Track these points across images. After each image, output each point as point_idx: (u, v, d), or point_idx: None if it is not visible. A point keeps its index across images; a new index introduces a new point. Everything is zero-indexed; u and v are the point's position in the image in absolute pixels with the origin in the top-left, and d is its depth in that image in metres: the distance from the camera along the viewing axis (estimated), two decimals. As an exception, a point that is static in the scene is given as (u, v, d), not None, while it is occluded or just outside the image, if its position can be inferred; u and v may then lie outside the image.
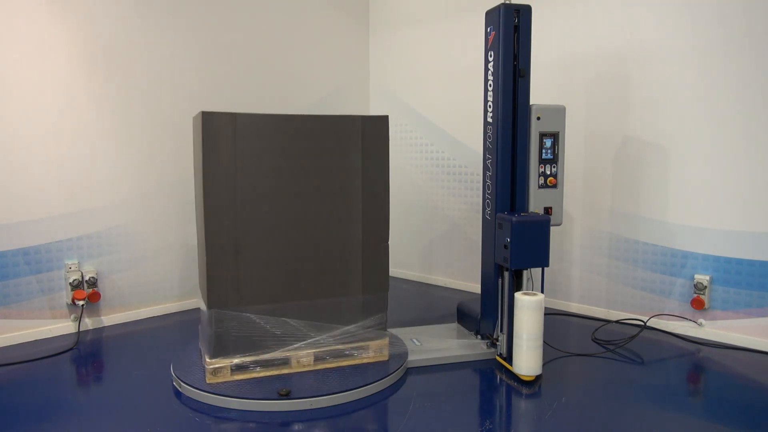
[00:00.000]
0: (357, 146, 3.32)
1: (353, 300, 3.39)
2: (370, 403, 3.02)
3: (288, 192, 3.23)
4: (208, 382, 3.09)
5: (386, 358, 3.42)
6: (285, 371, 3.25)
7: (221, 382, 3.09)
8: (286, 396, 2.94)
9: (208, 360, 3.12)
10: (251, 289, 3.18)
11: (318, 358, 3.31)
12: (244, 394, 2.97)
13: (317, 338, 3.32)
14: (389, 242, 3.46)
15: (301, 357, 3.27)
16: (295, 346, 3.27)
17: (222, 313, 3.13)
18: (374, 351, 3.41)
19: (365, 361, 3.39)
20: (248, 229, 3.16)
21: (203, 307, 3.27)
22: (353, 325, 3.38)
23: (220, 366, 3.12)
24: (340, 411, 2.93)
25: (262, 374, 3.20)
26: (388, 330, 3.97)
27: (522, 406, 3.04)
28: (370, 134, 3.34)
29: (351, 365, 3.35)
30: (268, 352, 3.22)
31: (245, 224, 3.15)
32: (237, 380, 3.13)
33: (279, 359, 3.24)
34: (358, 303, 3.40)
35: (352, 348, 3.38)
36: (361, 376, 3.19)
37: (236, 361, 3.15)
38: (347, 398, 3.02)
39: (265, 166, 3.17)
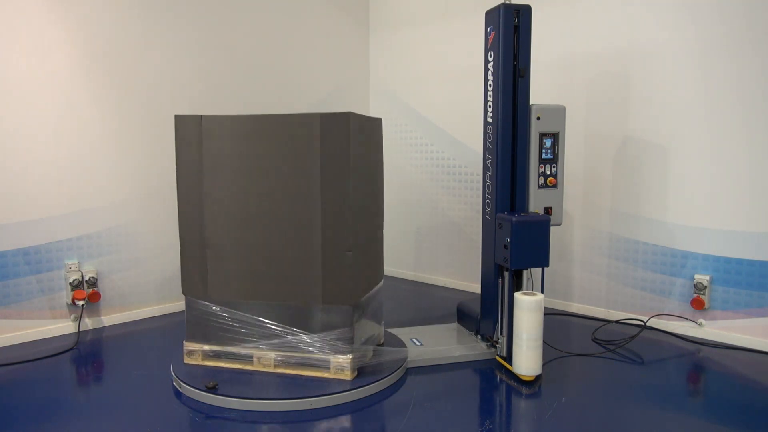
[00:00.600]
0: (315, 147, 3.12)
1: (314, 310, 3.23)
2: (370, 403, 3.02)
3: (252, 192, 3.24)
4: (184, 362, 3.37)
5: (348, 377, 3.14)
6: (248, 367, 3.29)
7: (194, 365, 3.34)
8: (213, 389, 3.00)
9: (185, 341, 3.40)
10: (217, 283, 3.33)
11: (279, 362, 3.25)
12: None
13: (279, 341, 3.26)
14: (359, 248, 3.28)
15: (262, 357, 3.26)
16: (257, 344, 3.28)
17: (192, 300, 3.38)
18: (335, 368, 3.15)
19: (325, 375, 3.16)
20: (215, 227, 3.31)
21: None
22: (314, 336, 3.21)
23: (193, 349, 3.38)
24: (340, 411, 2.93)
25: (228, 365, 3.32)
26: (388, 330, 3.97)
27: (522, 406, 3.04)
28: (329, 134, 3.10)
29: (310, 376, 3.17)
30: (232, 346, 3.31)
31: (212, 222, 3.31)
32: (207, 366, 3.33)
33: (243, 354, 3.30)
34: (318, 313, 3.22)
35: (313, 359, 3.20)
36: (360, 377, 3.19)
37: (206, 347, 3.36)
38: (347, 398, 3.02)
39: (230, 166, 3.25)
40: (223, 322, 3.33)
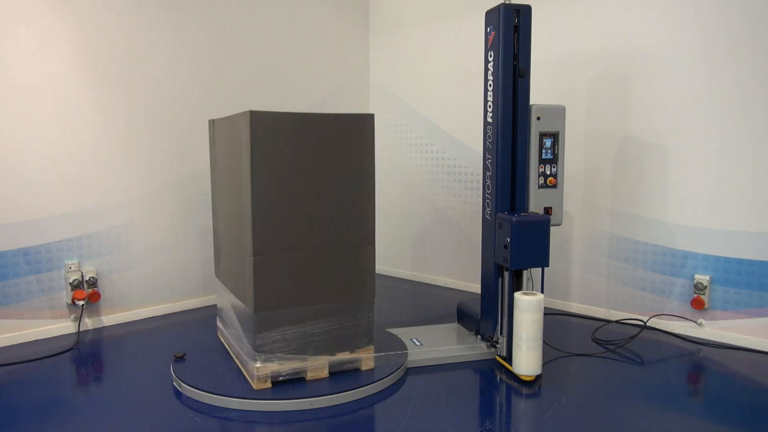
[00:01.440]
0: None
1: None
2: (370, 403, 3.02)
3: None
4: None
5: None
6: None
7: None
8: (181, 359, 3.28)
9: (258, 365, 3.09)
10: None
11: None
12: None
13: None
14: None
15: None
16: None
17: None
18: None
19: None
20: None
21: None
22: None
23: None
24: (340, 411, 2.93)
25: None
26: (388, 330, 3.97)
27: (522, 406, 3.04)
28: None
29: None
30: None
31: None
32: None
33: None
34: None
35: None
36: (362, 376, 3.19)
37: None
38: (347, 398, 3.02)
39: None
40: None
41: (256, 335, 3.03)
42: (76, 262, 4.15)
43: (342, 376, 3.20)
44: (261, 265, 3.01)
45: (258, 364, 3.03)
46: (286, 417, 2.86)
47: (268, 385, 3.06)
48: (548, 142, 3.52)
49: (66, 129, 4.08)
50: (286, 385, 3.09)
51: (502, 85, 3.41)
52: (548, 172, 3.54)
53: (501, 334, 3.54)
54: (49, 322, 4.08)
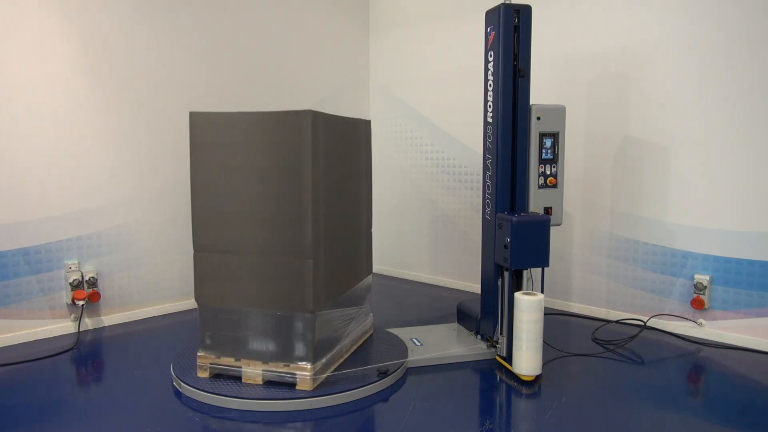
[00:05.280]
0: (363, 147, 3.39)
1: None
2: (371, 403, 3.02)
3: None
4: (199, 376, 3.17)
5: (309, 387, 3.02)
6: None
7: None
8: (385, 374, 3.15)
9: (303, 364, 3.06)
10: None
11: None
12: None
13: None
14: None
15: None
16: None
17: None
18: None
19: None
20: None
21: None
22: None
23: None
24: (340, 411, 2.93)
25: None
26: (388, 330, 3.97)
27: (522, 406, 3.04)
28: (365, 136, 3.44)
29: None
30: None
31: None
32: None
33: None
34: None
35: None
36: (359, 378, 3.19)
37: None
38: (347, 398, 3.02)
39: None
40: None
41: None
42: (76, 262, 4.15)
43: (342, 376, 3.19)
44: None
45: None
46: (286, 417, 2.86)
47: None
48: (548, 142, 3.52)
49: (66, 129, 4.08)
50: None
51: (502, 85, 3.41)
52: (548, 172, 3.54)
53: (501, 334, 3.54)
54: (49, 322, 4.08)
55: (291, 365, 3.07)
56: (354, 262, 3.60)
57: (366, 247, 3.83)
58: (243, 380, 3.11)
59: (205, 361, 3.18)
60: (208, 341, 3.19)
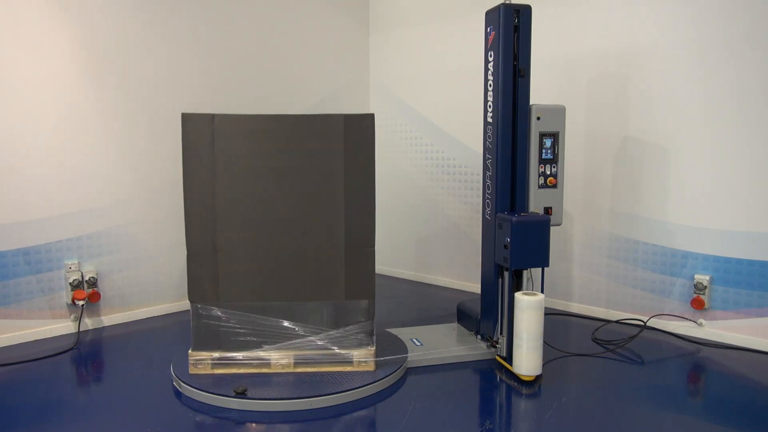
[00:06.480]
0: (339, 146, 3.23)
1: (334, 305, 3.32)
2: (371, 403, 3.02)
3: (268, 193, 3.25)
4: (190, 372, 3.25)
5: (372, 368, 3.27)
6: (264, 370, 3.27)
7: (203, 374, 3.23)
8: (242, 395, 2.95)
9: (190, 352, 3.27)
10: (230, 287, 3.29)
11: (298, 362, 3.27)
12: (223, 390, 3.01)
13: (297, 341, 3.28)
14: (375, 245, 3.35)
15: (281, 359, 3.26)
16: (275, 346, 3.29)
17: (202, 308, 3.28)
18: (358, 360, 3.28)
19: (347, 369, 3.27)
20: (227, 229, 3.25)
21: None
22: (335, 332, 3.31)
23: (201, 359, 3.26)
24: (340, 411, 2.93)
25: (242, 371, 3.26)
26: (388, 330, 3.97)
27: (522, 406, 3.04)
28: (354, 134, 3.23)
29: (331, 372, 3.25)
30: (247, 350, 3.29)
31: (224, 224, 3.25)
32: (217, 374, 3.24)
33: (258, 358, 3.28)
34: (340, 309, 3.32)
35: (332, 355, 3.29)
36: (360, 377, 3.19)
37: (215, 355, 3.27)
38: (347, 398, 3.02)
39: (245, 166, 3.23)
40: (234, 327, 3.29)
41: (368, 321, 3.30)
42: (76, 262, 4.15)
43: (342, 376, 3.19)
44: (361, 257, 3.26)
45: (373, 348, 3.29)
46: (286, 417, 2.86)
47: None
48: (548, 142, 3.52)
49: (66, 129, 4.08)
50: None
51: (502, 85, 3.41)
52: (548, 172, 3.54)
53: (501, 334, 3.54)
54: (49, 322, 4.08)
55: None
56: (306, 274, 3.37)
57: (345, 265, 3.34)
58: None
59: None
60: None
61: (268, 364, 3.27)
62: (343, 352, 3.29)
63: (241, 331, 3.29)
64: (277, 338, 3.30)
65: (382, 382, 3.17)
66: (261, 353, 3.27)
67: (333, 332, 3.30)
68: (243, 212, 3.24)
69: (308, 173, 3.24)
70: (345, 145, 3.22)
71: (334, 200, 3.26)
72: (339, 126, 3.22)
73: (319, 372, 3.24)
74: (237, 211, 3.24)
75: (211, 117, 3.20)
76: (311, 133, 3.23)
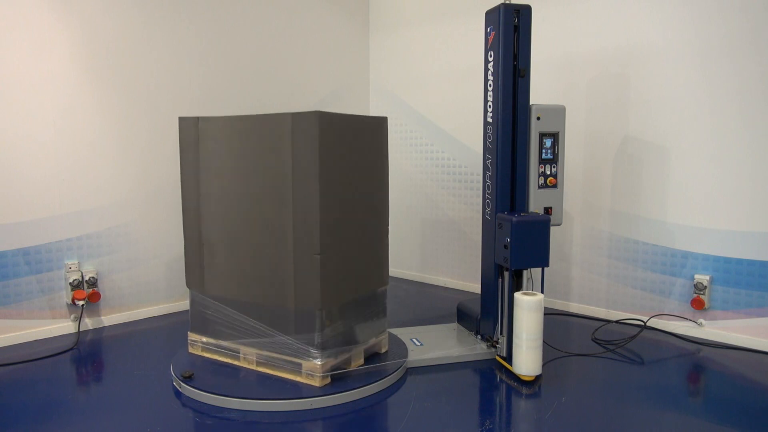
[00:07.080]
0: (288, 146, 3.07)
1: (289, 312, 3.17)
2: (370, 403, 3.02)
3: (237, 192, 3.29)
4: (188, 351, 3.59)
5: (317, 384, 3.06)
6: (236, 362, 3.37)
7: (196, 354, 3.53)
8: (188, 379, 3.09)
9: (189, 332, 3.59)
10: (212, 278, 3.45)
11: (260, 361, 3.28)
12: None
13: (263, 340, 3.26)
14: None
15: (246, 354, 3.33)
16: (243, 341, 3.35)
17: (194, 293, 3.55)
18: (306, 373, 3.10)
19: (297, 379, 3.13)
20: (208, 225, 3.43)
21: None
22: (288, 338, 3.18)
23: (194, 340, 3.56)
24: (340, 411, 2.93)
25: (221, 358, 3.45)
26: (388, 330, 3.97)
27: (522, 406, 3.04)
28: (300, 133, 3.03)
29: (285, 378, 3.16)
30: (224, 340, 3.44)
31: (206, 220, 3.44)
32: (205, 357, 3.49)
33: (231, 349, 3.41)
34: (293, 316, 3.16)
35: (287, 361, 3.17)
36: (361, 377, 3.19)
37: (204, 339, 3.52)
38: (347, 398, 3.02)
39: (220, 166, 3.34)
40: (216, 316, 3.46)
41: (316, 333, 3.09)
42: (76, 262, 4.15)
43: (339, 376, 3.20)
44: (325, 263, 3.09)
45: (320, 362, 3.09)
46: (286, 417, 2.86)
47: (328, 381, 3.13)
48: (548, 142, 3.52)
49: (66, 128, 4.08)
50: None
51: (502, 85, 3.41)
52: (548, 172, 3.54)
53: (501, 334, 3.54)
54: (49, 322, 4.08)
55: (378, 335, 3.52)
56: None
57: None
58: (352, 366, 3.30)
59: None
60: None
61: (237, 357, 3.37)
62: (295, 360, 3.15)
63: (219, 320, 3.43)
64: (246, 334, 3.33)
65: (382, 382, 3.17)
66: (233, 345, 3.39)
67: (283, 338, 3.19)
68: (219, 210, 3.38)
69: (270, 173, 3.15)
70: (292, 145, 3.05)
71: (286, 203, 3.12)
72: (287, 125, 3.06)
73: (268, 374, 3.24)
74: (215, 209, 3.39)
75: (197, 120, 3.38)
76: (271, 133, 3.13)
